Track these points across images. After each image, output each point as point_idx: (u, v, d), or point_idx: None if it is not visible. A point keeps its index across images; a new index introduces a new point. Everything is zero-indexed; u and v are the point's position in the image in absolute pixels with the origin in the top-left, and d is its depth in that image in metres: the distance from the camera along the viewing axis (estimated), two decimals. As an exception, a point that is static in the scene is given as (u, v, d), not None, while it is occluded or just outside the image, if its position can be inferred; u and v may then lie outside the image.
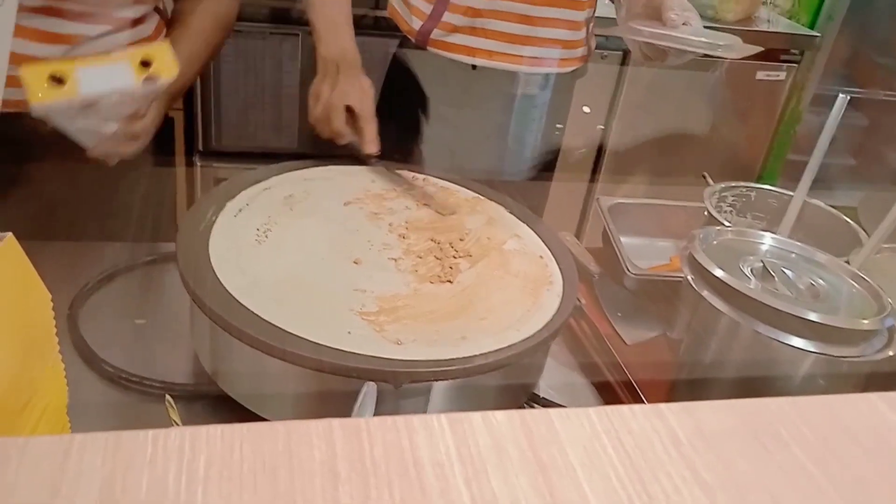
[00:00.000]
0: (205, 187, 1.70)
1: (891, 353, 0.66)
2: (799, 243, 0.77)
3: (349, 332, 0.60)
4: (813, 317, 0.64)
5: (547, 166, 1.21)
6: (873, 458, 0.30)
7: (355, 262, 0.70)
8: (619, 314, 0.86)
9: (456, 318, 0.65)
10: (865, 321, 0.66)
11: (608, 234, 0.93)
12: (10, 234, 0.35)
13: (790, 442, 0.29)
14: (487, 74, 1.06)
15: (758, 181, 0.99)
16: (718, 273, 0.68)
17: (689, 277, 0.71)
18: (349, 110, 0.89)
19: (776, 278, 0.71)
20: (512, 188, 0.89)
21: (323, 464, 0.24)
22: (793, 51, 1.91)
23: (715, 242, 0.75)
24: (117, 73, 0.66)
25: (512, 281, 0.71)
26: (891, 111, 2.22)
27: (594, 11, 1.10)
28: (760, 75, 1.89)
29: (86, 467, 0.23)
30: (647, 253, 0.98)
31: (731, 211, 0.96)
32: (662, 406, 0.29)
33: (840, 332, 0.65)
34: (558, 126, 1.20)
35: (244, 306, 0.60)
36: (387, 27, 1.11)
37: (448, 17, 1.02)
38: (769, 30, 1.92)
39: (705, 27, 0.90)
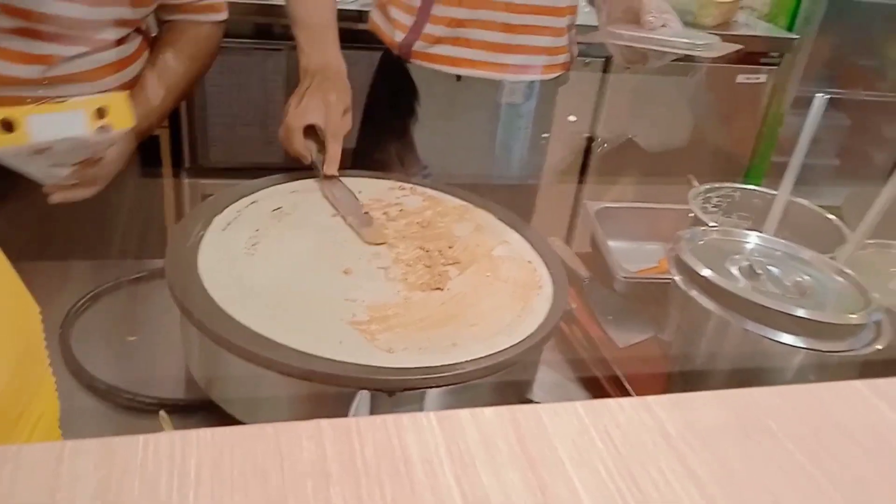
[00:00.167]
0: (192, 203, 1.70)
1: (878, 347, 0.66)
2: (784, 241, 0.78)
3: (341, 342, 0.60)
4: (801, 313, 0.65)
5: (534, 173, 1.22)
6: (861, 446, 0.31)
7: (345, 272, 0.70)
8: (610, 317, 0.87)
9: (446, 325, 0.65)
10: (853, 316, 0.66)
11: (596, 239, 0.94)
12: (-3, 249, 0.35)
13: (778, 432, 0.29)
14: (471, 84, 1.07)
15: (743, 182, 1.00)
16: (706, 273, 0.69)
17: (676, 278, 0.71)
18: (316, 129, 0.87)
19: (763, 276, 0.71)
20: (500, 195, 0.89)
21: (314, 465, 0.24)
22: (772, 53, 1.93)
23: (701, 243, 0.76)
24: (70, 122, 0.65)
25: (501, 287, 0.72)
26: (872, 111, 2.25)
27: (575, 18, 1.11)
28: (741, 78, 1.91)
29: (79, 473, 0.23)
30: (635, 256, 0.98)
31: (716, 211, 0.96)
32: (650, 399, 0.30)
33: (828, 328, 0.65)
34: (544, 135, 1.21)
35: (235, 319, 0.60)
36: (371, 40, 1.11)
37: (430, 29, 1.03)
38: (748, 33, 1.95)
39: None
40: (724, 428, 0.30)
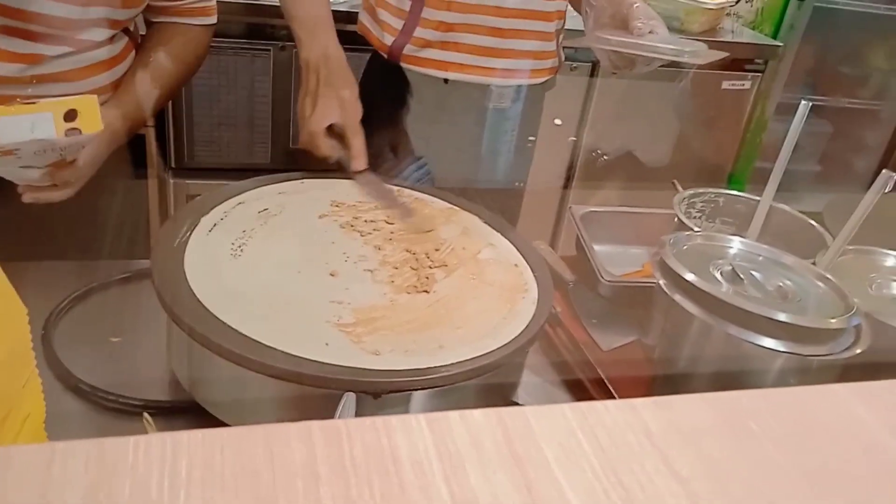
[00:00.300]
0: (178, 203, 1.69)
1: (858, 351, 0.67)
2: (767, 246, 0.79)
3: (327, 344, 0.61)
4: (782, 317, 0.66)
5: (520, 176, 1.23)
6: (840, 448, 0.31)
7: (331, 275, 0.70)
8: (595, 321, 0.87)
9: (433, 328, 0.65)
10: (833, 320, 0.67)
11: (581, 242, 0.95)
12: (-16, 249, 0.35)
13: (761, 433, 0.30)
14: (459, 88, 1.07)
15: (726, 187, 1.01)
16: (689, 277, 0.70)
17: (660, 282, 0.72)
18: (334, 126, 0.88)
19: (745, 281, 0.72)
20: (486, 198, 0.90)
21: (304, 466, 0.25)
22: (757, 60, 1.95)
23: (685, 247, 0.77)
24: (38, 125, 0.65)
25: (487, 290, 0.72)
26: (853, 118, 2.28)
27: (564, 23, 1.12)
28: (726, 85, 1.93)
29: (69, 475, 0.23)
30: (620, 260, 0.99)
31: (700, 216, 0.97)
32: (636, 401, 0.30)
33: (809, 332, 0.66)
34: (530, 138, 1.21)
35: (221, 321, 0.60)
36: (359, 42, 1.11)
37: (420, 33, 1.03)
38: (734, 40, 1.97)
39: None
40: (708, 429, 0.30)
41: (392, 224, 0.80)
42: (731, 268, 0.73)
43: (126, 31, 0.90)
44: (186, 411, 0.67)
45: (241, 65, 1.59)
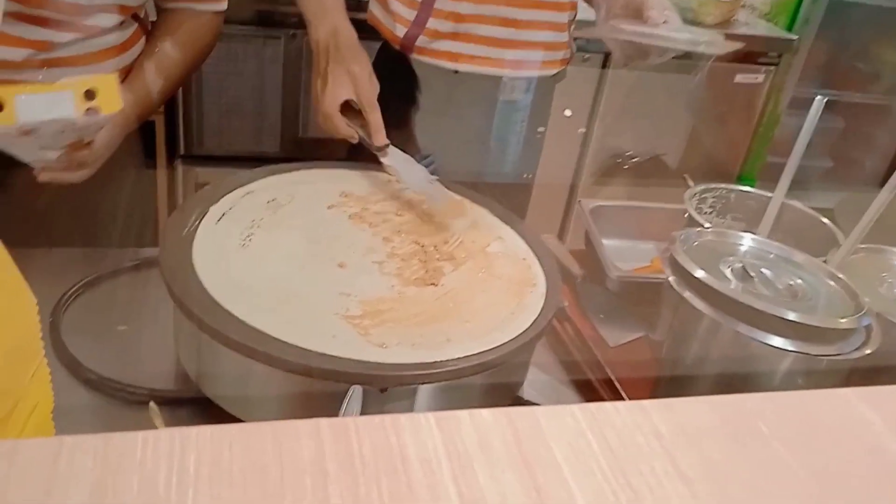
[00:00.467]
0: (187, 192, 1.69)
1: (868, 352, 0.67)
2: (778, 244, 0.78)
3: (334, 336, 0.61)
4: (792, 316, 0.65)
5: (529, 169, 1.22)
6: (848, 452, 0.31)
7: (339, 266, 0.70)
8: (602, 316, 0.87)
9: (440, 321, 0.65)
10: (843, 320, 0.67)
11: (590, 237, 0.94)
12: (-6, 239, 0.35)
13: (769, 437, 0.30)
14: (470, 79, 1.07)
15: (737, 183, 1.00)
16: (699, 274, 0.69)
17: (670, 279, 0.72)
18: (349, 104, 0.86)
19: (755, 279, 0.72)
20: (495, 191, 0.89)
21: (312, 463, 0.25)
22: (771, 54, 1.93)
23: (696, 244, 0.76)
24: (58, 103, 0.65)
25: (495, 283, 0.72)
26: (867, 114, 2.26)
27: (575, 14, 1.11)
28: (739, 78, 1.92)
29: (76, 470, 0.23)
30: (628, 255, 0.98)
31: (711, 212, 0.97)
32: (645, 403, 0.30)
33: (818, 332, 0.66)
34: (540, 129, 1.21)
35: (228, 311, 0.60)
36: (370, 31, 1.11)
37: (432, 24, 1.02)
38: (748, 33, 1.95)
39: (685, 27, 0.91)
40: (717, 432, 0.30)
41: (401, 216, 0.80)
42: (741, 265, 0.73)
43: (135, 17, 0.89)
44: (193, 402, 0.67)
45: (253, 52, 1.59)
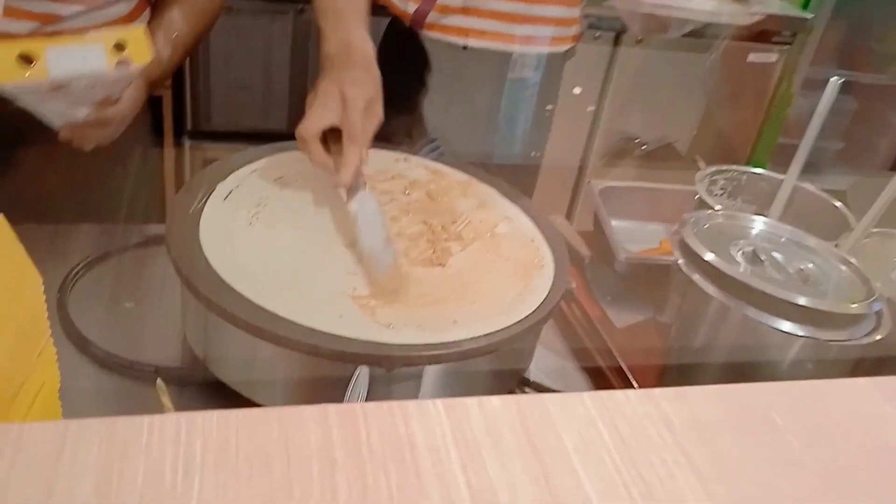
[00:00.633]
0: (193, 167, 1.69)
1: (878, 337, 0.66)
2: (789, 227, 0.77)
3: (341, 316, 0.60)
4: (802, 301, 0.65)
5: (537, 147, 1.21)
6: (863, 444, 0.31)
7: (347, 246, 0.69)
8: (609, 297, 0.87)
9: (447, 302, 0.65)
10: (854, 305, 0.66)
11: (599, 218, 0.93)
12: (0, 217, 0.34)
13: (782, 428, 0.29)
14: (479, 55, 1.05)
15: (748, 164, 0.99)
16: (709, 257, 0.69)
17: (679, 261, 0.71)
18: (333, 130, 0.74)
19: (766, 262, 0.71)
20: (503, 169, 0.88)
21: (319, 450, 0.24)
22: (784, 33, 1.90)
23: (706, 226, 0.76)
24: (89, 56, 0.64)
25: (503, 264, 0.71)
26: (880, 95, 2.23)
27: None
28: (752, 57, 1.89)
29: (81, 455, 0.23)
30: (637, 236, 0.98)
31: (721, 194, 0.96)
32: (656, 391, 0.29)
33: (828, 316, 0.66)
34: (548, 107, 1.19)
35: (235, 290, 0.60)
36: (377, 8, 1.09)
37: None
38: (762, 11, 1.92)
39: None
40: (729, 422, 0.30)
41: (408, 195, 0.79)
42: (752, 249, 0.72)
43: None
44: (199, 378, 0.67)
45: (260, 27, 1.57)
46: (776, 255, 0.72)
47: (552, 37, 1.08)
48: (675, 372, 0.75)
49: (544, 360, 0.77)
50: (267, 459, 0.24)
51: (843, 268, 0.73)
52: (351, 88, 0.72)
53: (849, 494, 0.28)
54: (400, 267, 0.67)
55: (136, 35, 0.66)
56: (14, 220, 0.37)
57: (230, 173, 0.76)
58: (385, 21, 1.10)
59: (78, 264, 0.79)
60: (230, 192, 0.73)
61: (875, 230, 0.81)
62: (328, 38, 0.78)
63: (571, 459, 0.26)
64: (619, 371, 0.75)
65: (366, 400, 0.57)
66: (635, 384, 0.73)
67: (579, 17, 1.10)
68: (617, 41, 1.78)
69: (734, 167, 0.96)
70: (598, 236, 0.93)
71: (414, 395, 0.62)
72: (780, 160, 0.91)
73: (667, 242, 0.97)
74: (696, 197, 0.90)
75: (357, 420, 0.26)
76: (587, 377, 0.78)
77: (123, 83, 0.72)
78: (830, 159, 2.18)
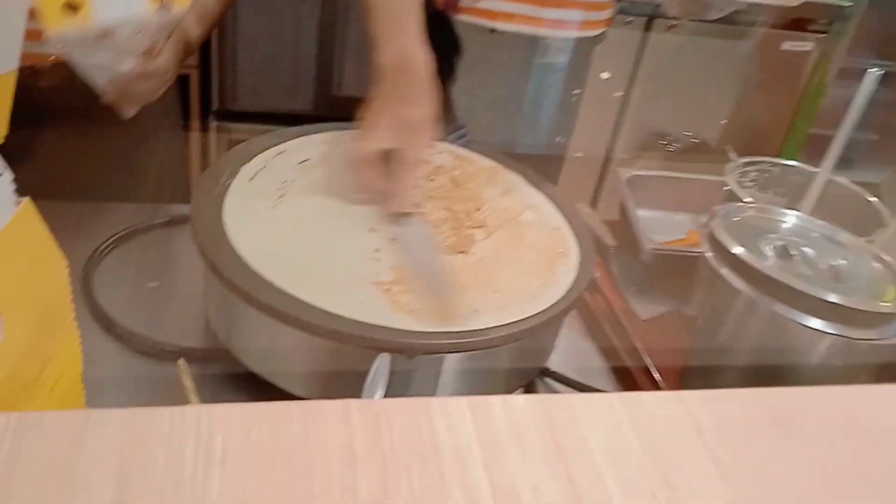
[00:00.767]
0: (218, 147, 1.69)
1: (910, 337, 0.65)
2: (821, 222, 0.76)
3: (363, 302, 0.60)
4: (832, 298, 0.63)
5: (564, 134, 1.20)
6: (898, 452, 0.30)
7: (370, 231, 0.69)
8: (634, 288, 0.86)
9: (470, 290, 0.64)
10: (885, 303, 0.65)
11: (625, 207, 0.92)
12: (27, 200, 0.34)
13: (816, 434, 0.28)
14: (506, 39, 1.04)
15: (779, 156, 0.97)
16: (738, 251, 0.67)
17: (707, 254, 0.70)
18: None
19: (797, 258, 0.70)
20: (528, 156, 0.87)
21: (340, 447, 0.24)
22: (821, 21, 1.86)
23: (736, 219, 0.74)
24: (131, 1, 0.65)
25: (527, 253, 0.70)
26: (917, 86, 2.17)
27: None
28: (786, 45, 1.85)
29: (102, 445, 0.23)
30: (663, 227, 0.96)
31: (752, 186, 0.94)
32: (685, 393, 0.29)
33: (859, 314, 0.64)
34: (575, 92, 1.18)
35: (258, 273, 0.60)
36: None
37: None
38: (798, -2, 1.88)
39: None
40: (759, 426, 0.29)
41: (433, 181, 0.79)
42: (782, 243, 0.71)
43: None
44: (221, 359, 0.67)
45: (288, 8, 1.57)
46: (807, 250, 0.71)
47: (582, 21, 1.07)
48: (698, 366, 0.74)
49: (566, 350, 0.76)
50: (287, 454, 0.23)
51: (877, 265, 0.71)
52: (412, 109, 0.70)
53: (884, 503, 0.27)
54: (451, 289, 0.64)
55: None
56: (40, 199, 0.37)
57: (255, 155, 0.76)
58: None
59: (103, 242, 0.80)
60: (255, 175, 0.73)
61: (910, 227, 0.79)
62: (383, 48, 0.73)
63: (597, 462, 0.25)
64: (642, 363, 0.74)
65: (386, 387, 0.57)
66: (658, 377, 0.72)
67: (611, 0, 1.08)
68: (648, 26, 1.75)
69: (766, 158, 0.94)
70: (623, 225, 0.91)
71: (434, 383, 0.61)
72: (812, 152, 0.89)
73: (694, 234, 0.95)
74: (726, 188, 0.88)
75: (379, 416, 0.25)
76: (609, 368, 0.78)
77: (166, 30, 0.73)
78: (864, 152, 2.13)
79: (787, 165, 0.94)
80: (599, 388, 0.73)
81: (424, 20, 0.74)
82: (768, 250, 0.70)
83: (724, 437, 0.27)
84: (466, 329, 0.59)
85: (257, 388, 0.62)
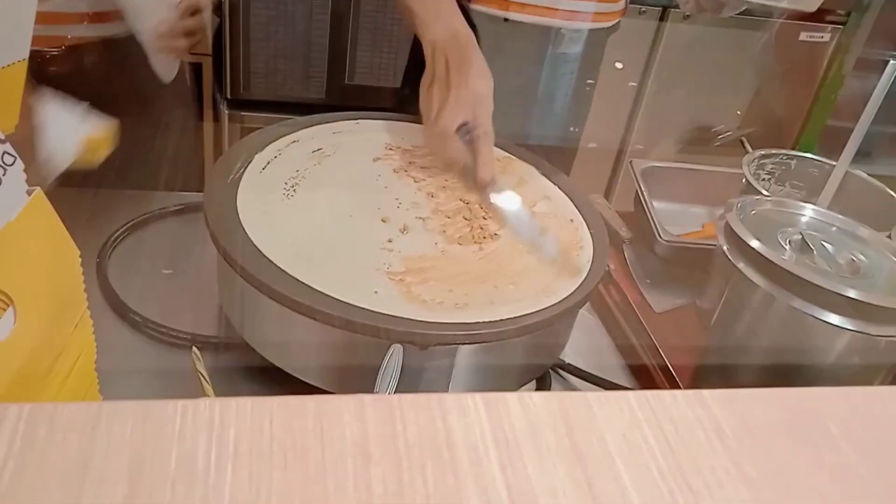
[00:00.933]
0: (231, 135, 1.69)
1: (929, 334, 0.64)
2: (840, 216, 0.75)
3: (376, 292, 0.60)
4: (850, 293, 0.62)
5: (577, 125, 1.18)
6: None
7: (383, 220, 0.68)
8: (648, 281, 0.85)
9: (484, 282, 0.64)
10: (905, 300, 0.64)
11: (640, 198, 0.91)
12: (38, 189, 0.34)
13: (838, 436, 0.28)
14: (519, 29, 1.03)
15: (794, 147, 0.96)
16: (755, 244, 0.66)
17: (724, 247, 0.69)
18: (463, 126, 0.75)
19: (815, 252, 0.69)
20: (542, 147, 0.87)
21: (355, 444, 0.24)
22: (839, 11, 1.83)
23: (753, 212, 0.73)
24: None
25: (541, 245, 0.70)
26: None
27: None
28: (804, 36, 1.82)
29: (114, 438, 0.23)
30: (678, 219, 0.95)
31: (769, 179, 0.93)
32: (705, 393, 0.28)
33: (878, 310, 0.63)
34: (589, 82, 1.16)
35: (271, 262, 0.60)
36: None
37: None
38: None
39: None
40: (782, 428, 0.28)
41: (448, 172, 0.78)
42: (800, 237, 0.70)
43: None
44: (234, 347, 0.67)
45: (300, -6, 1.56)
46: (825, 244, 0.70)
47: (596, 11, 1.05)
48: (714, 360, 0.74)
49: (581, 343, 0.75)
50: (301, 450, 0.23)
51: (896, 260, 0.70)
52: (481, 83, 0.75)
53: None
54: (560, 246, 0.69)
55: None
56: (56, 182, 0.37)
57: (268, 144, 0.76)
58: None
59: (117, 229, 0.80)
60: (268, 163, 0.73)
61: (930, 221, 0.78)
62: (430, 26, 0.78)
63: (615, 464, 0.25)
64: (658, 356, 0.74)
65: (399, 378, 0.56)
66: (673, 371, 0.72)
67: (626, -11, 1.07)
68: (663, 17, 1.73)
69: (783, 151, 0.93)
70: (638, 217, 0.90)
71: (447, 374, 0.61)
72: (829, 144, 0.87)
73: (710, 226, 0.94)
74: (743, 181, 0.87)
75: (394, 413, 0.25)
76: (624, 361, 0.77)
77: None
78: (882, 144, 2.10)
79: (804, 158, 0.93)
80: (614, 381, 0.72)
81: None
82: (786, 244, 0.69)
83: (746, 438, 0.27)
84: (480, 321, 0.59)
85: (270, 376, 0.62)
